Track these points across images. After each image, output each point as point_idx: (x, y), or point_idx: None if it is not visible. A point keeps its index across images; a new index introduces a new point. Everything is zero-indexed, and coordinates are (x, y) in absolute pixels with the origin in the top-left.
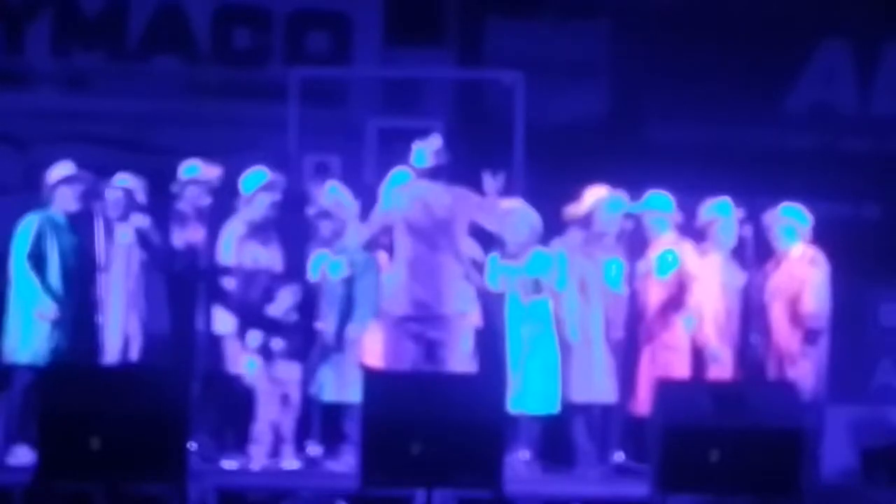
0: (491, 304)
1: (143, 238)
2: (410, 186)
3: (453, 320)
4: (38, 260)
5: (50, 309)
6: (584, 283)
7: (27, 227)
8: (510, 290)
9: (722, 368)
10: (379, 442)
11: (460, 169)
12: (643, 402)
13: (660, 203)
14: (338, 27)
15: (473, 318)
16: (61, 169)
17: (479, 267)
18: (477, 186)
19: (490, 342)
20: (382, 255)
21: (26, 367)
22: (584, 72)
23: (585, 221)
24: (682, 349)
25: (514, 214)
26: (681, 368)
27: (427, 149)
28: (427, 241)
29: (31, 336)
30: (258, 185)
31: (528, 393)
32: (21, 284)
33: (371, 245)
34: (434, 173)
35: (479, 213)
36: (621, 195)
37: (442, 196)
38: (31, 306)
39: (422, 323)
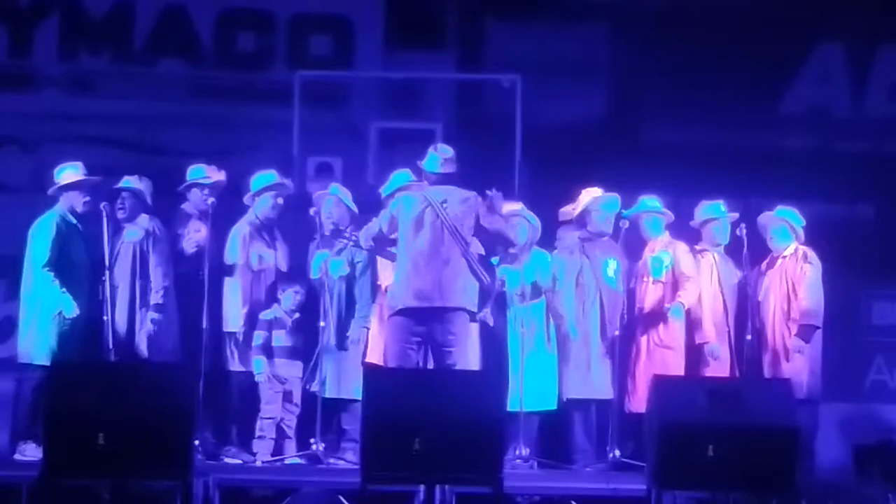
0: (492, 306)
1: (150, 236)
2: (419, 188)
3: (457, 315)
4: (55, 261)
5: (70, 310)
6: (580, 282)
7: (45, 230)
8: (510, 292)
9: (719, 366)
10: (380, 439)
11: (460, 170)
12: (639, 400)
13: (653, 205)
14: (340, 31)
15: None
16: (69, 171)
17: (487, 267)
18: (476, 187)
19: (491, 342)
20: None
21: (36, 366)
22: (582, 74)
23: (580, 221)
24: (678, 347)
25: (515, 218)
26: (676, 366)
27: (440, 157)
28: (433, 239)
29: (47, 337)
30: (264, 186)
31: (527, 394)
32: (39, 286)
33: (377, 241)
34: (442, 180)
35: (484, 216)
36: (616, 195)
37: (450, 197)
38: (49, 307)
39: (425, 319)
